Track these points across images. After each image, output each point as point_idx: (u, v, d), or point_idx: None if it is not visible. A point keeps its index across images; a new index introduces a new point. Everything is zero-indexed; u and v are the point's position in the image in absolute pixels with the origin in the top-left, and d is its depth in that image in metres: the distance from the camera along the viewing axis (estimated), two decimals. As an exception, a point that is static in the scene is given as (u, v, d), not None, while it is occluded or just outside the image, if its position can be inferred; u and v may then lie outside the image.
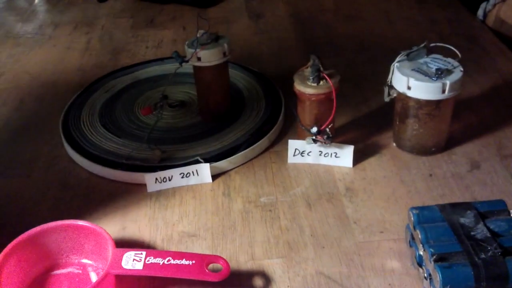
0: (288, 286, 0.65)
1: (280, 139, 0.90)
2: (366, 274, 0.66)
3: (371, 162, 0.84)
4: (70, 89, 1.06)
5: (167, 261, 0.63)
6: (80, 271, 0.68)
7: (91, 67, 1.16)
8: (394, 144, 0.87)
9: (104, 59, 1.19)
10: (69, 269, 0.68)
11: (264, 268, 0.67)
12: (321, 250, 0.69)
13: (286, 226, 0.73)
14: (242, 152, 0.84)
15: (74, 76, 1.13)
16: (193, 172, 0.80)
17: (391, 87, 0.82)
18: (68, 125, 0.93)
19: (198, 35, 0.85)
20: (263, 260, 0.68)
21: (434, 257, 0.59)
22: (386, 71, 0.82)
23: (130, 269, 0.62)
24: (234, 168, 0.84)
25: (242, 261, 0.68)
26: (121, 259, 0.63)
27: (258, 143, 0.86)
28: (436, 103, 0.79)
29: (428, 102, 0.79)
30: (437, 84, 0.77)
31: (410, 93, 0.79)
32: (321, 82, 0.80)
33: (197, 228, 0.74)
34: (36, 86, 1.10)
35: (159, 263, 0.63)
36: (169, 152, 0.84)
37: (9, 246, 0.64)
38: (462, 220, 0.63)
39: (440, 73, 0.78)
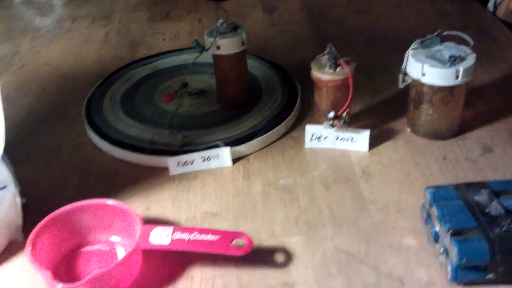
0: (309, 260, 0.67)
1: (297, 125, 0.92)
2: (384, 250, 0.68)
3: (386, 147, 0.86)
4: (90, 80, 1.09)
5: (193, 237, 0.65)
6: (108, 249, 0.71)
7: (109, 59, 1.19)
8: (409, 130, 0.89)
9: (122, 51, 1.22)
10: (98, 246, 0.71)
11: (285, 245, 0.69)
12: (339, 229, 0.72)
13: (305, 206, 0.76)
14: (261, 137, 0.87)
15: (93, 68, 1.16)
16: (214, 156, 0.83)
17: (405, 74, 0.84)
18: (91, 112, 0.95)
19: (217, 25, 0.88)
20: (283, 237, 0.71)
21: (451, 231, 0.61)
22: (398, 64, 0.85)
23: (157, 245, 0.65)
24: (253, 153, 0.86)
25: (263, 238, 0.71)
26: (149, 235, 0.65)
27: (276, 128, 0.88)
28: (450, 89, 0.81)
29: (442, 88, 0.81)
30: (451, 70, 0.79)
31: (424, 79, 0.81)
32: (338, 69, 0.83)
33: (219, 209, 0.76)
34: (57, 77, 1.13)
35: (185, 239, 0.65)
36: (190, 137, 0.87)
37: (43, 221, 0.67)
38: (476, 198, 0.65)
39: (454, 60, 0.80)
